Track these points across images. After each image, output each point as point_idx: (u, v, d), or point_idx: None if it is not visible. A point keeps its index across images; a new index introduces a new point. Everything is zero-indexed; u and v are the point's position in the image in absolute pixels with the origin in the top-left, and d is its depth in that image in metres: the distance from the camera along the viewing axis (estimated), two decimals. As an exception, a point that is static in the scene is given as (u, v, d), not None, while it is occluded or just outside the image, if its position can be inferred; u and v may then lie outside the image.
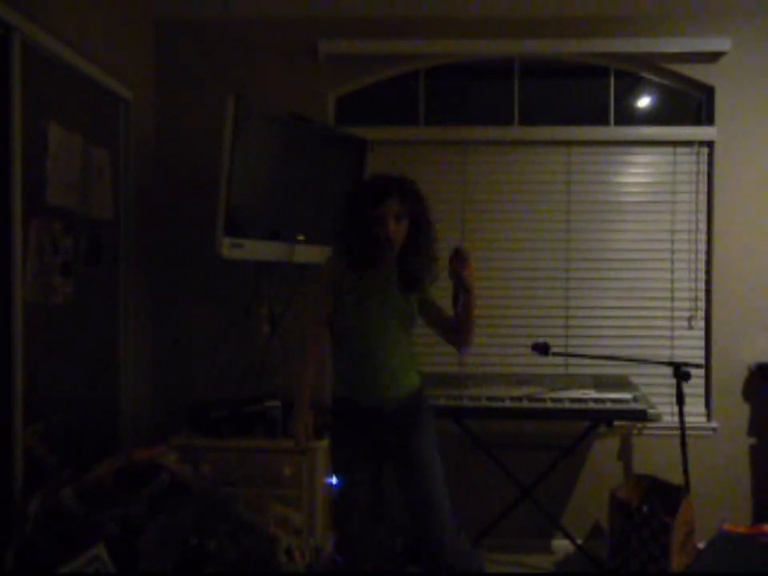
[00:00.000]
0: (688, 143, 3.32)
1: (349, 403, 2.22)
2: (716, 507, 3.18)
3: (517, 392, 2.89)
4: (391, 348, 2.18)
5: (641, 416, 2.79)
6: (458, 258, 2.09)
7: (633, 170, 3.36)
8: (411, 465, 2.18)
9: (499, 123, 3.39)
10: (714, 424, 3.28)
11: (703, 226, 3.32)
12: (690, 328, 3.33)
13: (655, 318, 3.34)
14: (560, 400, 2.82)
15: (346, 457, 2.22)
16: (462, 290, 2.12)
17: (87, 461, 2.37)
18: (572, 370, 3.32)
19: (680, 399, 2.81)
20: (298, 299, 3.25)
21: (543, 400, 2.82)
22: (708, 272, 3.31)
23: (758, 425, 3.27)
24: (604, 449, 3.30)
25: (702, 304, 3.33)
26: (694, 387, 3.23)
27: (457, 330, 2.23)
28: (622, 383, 3.07)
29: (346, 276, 2.18)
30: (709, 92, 3.31)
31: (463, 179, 3.36)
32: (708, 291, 3.32)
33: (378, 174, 2.24)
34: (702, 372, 3.28)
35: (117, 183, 2.95)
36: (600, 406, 2.81)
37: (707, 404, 3.32)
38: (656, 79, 3.39)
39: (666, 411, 3.15)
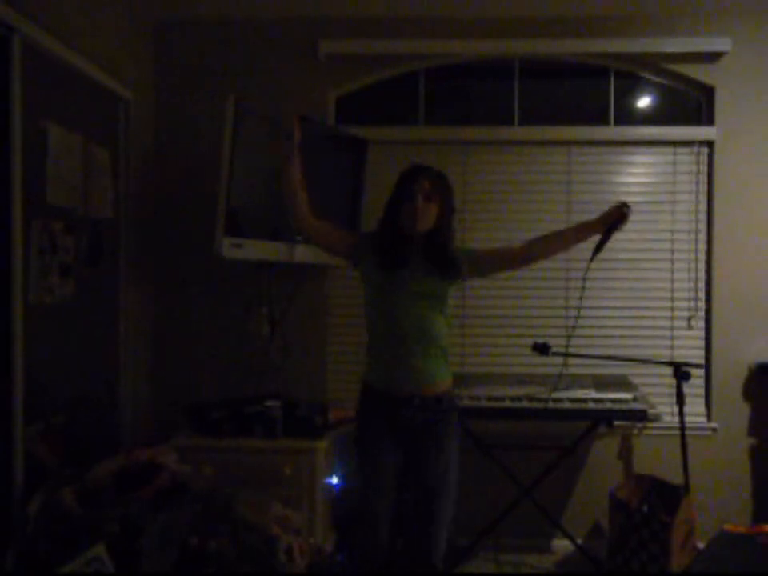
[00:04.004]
0: (688, 143, 3.32)
1: (379, 392, 2.20)
2: (716, 507, 3.18)
3: (517, 392, 2.88)
4: (428, 338, 2.16)
5: (641, 416, 2.79)
6: (619, 219, 2.22)
7: (633, 170, 3.36)
8: (426, 473, 2.17)
9: (499, 123, 3.39)
10: (714, 424, 3.28)
11: (703, 226, 3.32)
12: (690, 328, 3.33)
13: (655, 317, 3.34)
14: (560, 400, 2.82)
15: (370, 443, 2.20)
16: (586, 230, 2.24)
17: (87, 461, 2.37)
18: (572, 370, 3.32)
19: (680, 399, 2.81)
20: (298, 299, 3.26)
21: (543, 400, 2.82)
22: (708, 272, 3.32)
23: (758, 425, 3.27)
24: (604, 449, 3.30)
25: (701, 304, 3.33)
26: (694, 387, 3.23)
27: (539, 243, 2.25)
28: (622, 383, 3.07)
29: (371, 253, 2.20)
30: (709, 92, 3.31)
31: (463, 179, 3.36)
32: (708, 291, 3.32)
33: (415, 163, 2.27)
34: (702, 372, 3.28)
35: (117, 183, 2.95)
36: (600, 406, 2.81)
37: (707, 404, 3.32)
38: (656, 79, 3.39)
39: (666, 411, 3.14)
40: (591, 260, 2.29)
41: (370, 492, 2.20)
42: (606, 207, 3.28)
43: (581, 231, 2.26)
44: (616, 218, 2.23)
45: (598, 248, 2.29)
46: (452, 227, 2.23)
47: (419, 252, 2.19)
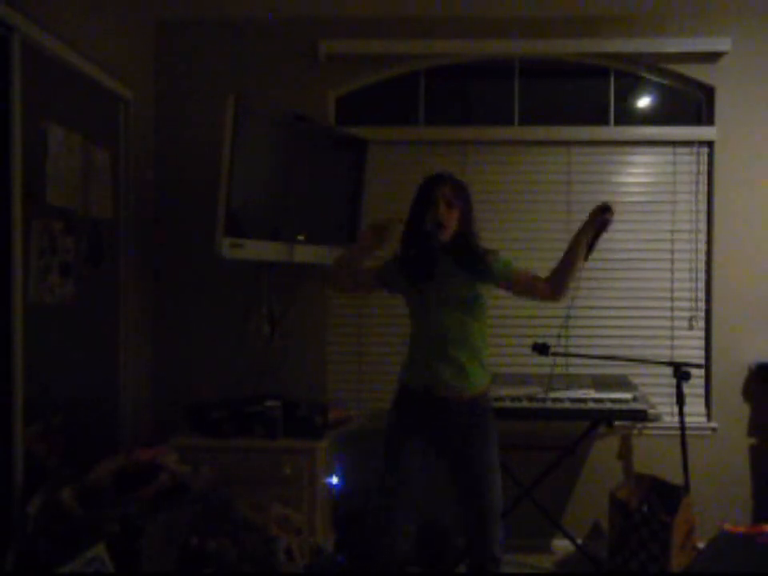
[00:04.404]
0: (688, 143, 3.32)
1: (415, 393, 2.24)
2: (716, 507, 3.18)
3: (517, 392, 2.88)
4: (465, 343, 2.20)
5: (641, 416, 2.79)
6: (604, 218, 2.20)
7: (633, 170, 3.36)
8: (470, 472, 2.20)
9: (499, 123, 3.39)
10: (714, 424, 3.28)
11: (703, 226, 3.32)
12: (690, 328, 3.33)
13: (655, 318, 3.34)
14: (560, 400, 2.82)
15: (397, 442, 2.23)
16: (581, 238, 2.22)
17: (87, 461, 2.37)
18: (572, 370, 3.32)
19: (680, 399, 2.81)
20: (298, 299, 3.26)
21: (543, 400, 2.82)
22: (708, 272, 3.31)
23: (757, 425, 3.27)
24: (604, 449, 3.30)
25: (702, 304, 3.33)
26: (694, 387, 3.23)
27: (556, 274, 2.26)
28: (622, 383, 3.06)
29: (397, 273, 2.27)
30: (709, 92, 3.31)
31: (463, 179, 3.34)
32: (708, 291, 3.32)
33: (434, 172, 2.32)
34: (702, 372, 3.28)
35: (117, 183, 2.95)
36: (600, 405, 2.81)
37: (707, 404, 3.32)
38: (656, 79, 3.39)
39: (666, 411, 3.14)
40: (585, 259, 2.27)
41: (388, 491, 2.21)
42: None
43: (577, 243, 2.23)
44: (599, 220, 2.22)
45: (588, 250, 2.26)
46: (475, 229, 2.27)
47: (447, 259, 2.23)
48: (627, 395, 2.85)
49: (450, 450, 2.24)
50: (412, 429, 2.23)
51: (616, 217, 3.28)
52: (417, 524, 2.30)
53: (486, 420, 2.24)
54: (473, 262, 2.21)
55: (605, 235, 2.26)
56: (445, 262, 2.23)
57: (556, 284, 2.25)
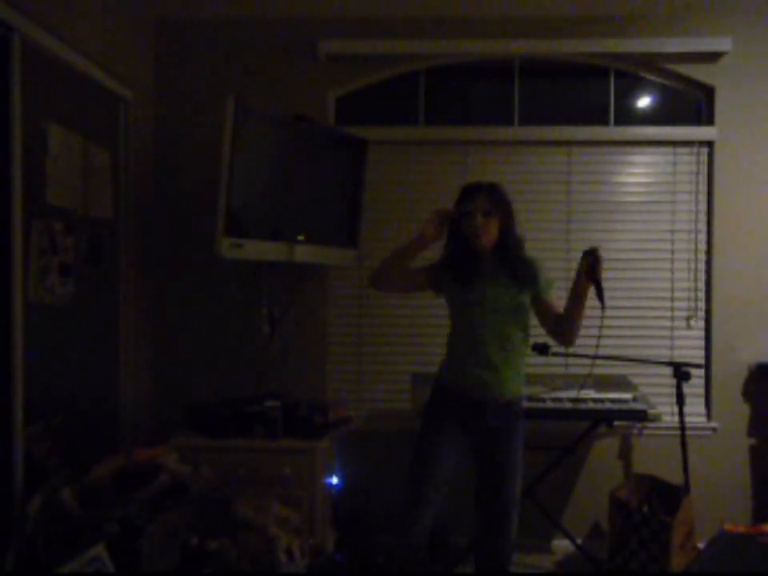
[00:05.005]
0: (688, 143, 3.32)
1: (451, 391, 2.28)
2: (716, 507, 3.18)
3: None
4: (505, 348, 2.23)
5: (641, 416, 2.79)
6: (595, 261, 2.10)
7: (633, 169, 3.36)
8: (496, 471, 2.25)
9: (499, 123, 3.39)
10: (714, 424, 3.28)
11: (703, 226, 3.32)
12: (690, 328, 3.33)
13: (655, 317, 3.34)
14: (560, 400, 2.82)
15: (430, 441, 2.26)
16: (582, 287, 2.15)
17: (87, 461, 2.37)
18: (572, 370, 3.32)
19: (680, 399, 2.81)
20: (298, 299, 3.26)
21: (543, 400, 2.82)
22: (708, 272, 3.31)
23: (758, 425, 3.27)
24: (604, 449, 3.30)
25: (701, 304, 3.33)
26: (694, 387, 3.23)
27: (562, 323, 2.25)
28: (622, 383, 3.06)
29: (444, 275, 2.29)
30: (709, 92, 3.31)
31: (463, 179, 3.35)
32: (708, 291, 3.32)
33: (470, 182, 2.33)
34: (702, 372, 3.28)
35: (117, 183, 2.95)
36: (600, 405, 2.81)
37: (707, 404, 3.32)
38: (656, 79, 3.39)
39: (666, 411, 3.15)
40: (603, 308, 2.17)
41: (418, 483, 2.24)
42: (605, 207, 3.35)
43: (574, 295, 2.19)
44: (589, 267, 2.12)
45: (599, 297, 2.17)
46: (518, 235, 2.29)
47: (492, 265, 2.25)
48: (627, 395, 2.86)
49: (481, 450, 2.29)
50: (446, 428, 2.26)
51: (617, 216, 3.35)
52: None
53: (518, 424, 2.29)
54: (517, 269, 2.24)
55: (604, 276, 2.15)
56: (491, 269, 2.25)
57: (563, 336, 2.26)
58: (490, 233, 2.22)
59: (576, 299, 2.17)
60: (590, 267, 2.10)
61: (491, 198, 2.22)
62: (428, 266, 2.34)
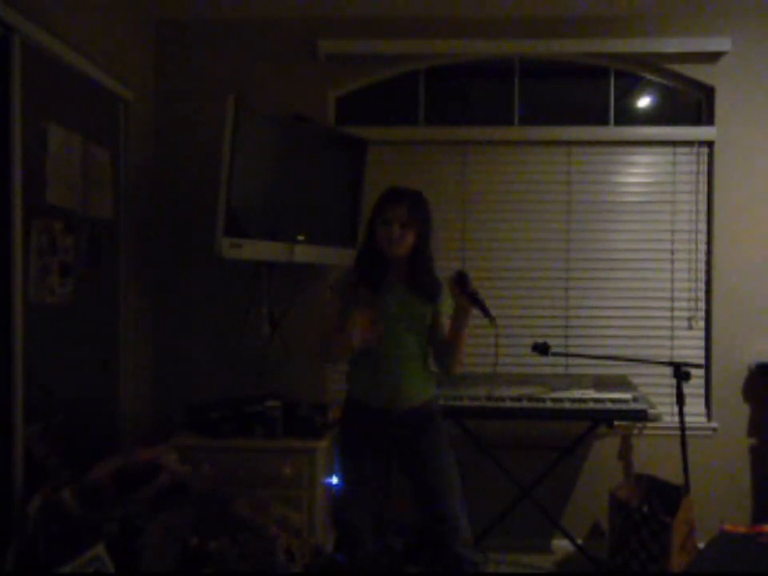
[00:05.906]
0: (688, 143, 3.32)
1: (360, 405, 2.26)
2: (716, 507, 3.18)
3: (517, 392, 2.88)
4: (406, 358, 2.22)
5: (641, 416, 2.79)
6: (462, 280, 2.08)
7: (633, 169, 3.36)
8: (423, 464, 2.23)
9: (499, 123, 3.39)
10: (714, 424, 3.28)
11: (703, 226, 3.32)
12: (690, 328, 3.33)
13: (655, 318, 3.34)
14: (560, 400, 2.82)
15: (352, 456, 2.26)
16: (461, 312, 2.12)
17: (87, 461, 2.37)
18: (572, 370, 3.32)
19: (680, 399, 2.81)
20: (298, 299, 3.26)
21: (543, 400, 2.82)
22: (708, 272, 3.31)
23: (757, 425, 3.27)
24: (604, 449, 3.30)
25: (701, 304, 3.33)
26: (694, 387, 3.23)
27: (446, 352, 2.24)
28: (622, 383, 3.06)
29: (356, 291, 2.21)
30: (709, 92, 3.31)
31: (463, 179, 3.36)
32: (708, 291, 3.32)
33: (394, 186, 2.27)
34: (702, 372, 3.28)
35: (117, 183, 2.95)
36: (600, 405, 2.81)
37: (707, 404, 3.32)
38: (656, 79, 3.39)
39: (666, 411, 3.14)
40: (492, 321, 2.07)
41: (350, 502, 2.27)
42: (605, 207, 3.36)
43: (455, 314, 2.16)
44: (459, 287, 2.09)
45: (483, 311, 2.07)
46: (431, 249, 2.24)
47: (400, 275, 2.22)
48: (627, 395, 2.86)
49: (403, 459, 2.27)
50: (362, 440, 2.25)
51: (617, 216, 3.35)
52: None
53: (435, 424, 2.26)
54: (426, 288, 2.20)
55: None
56: (399, 279, 2.22)
57: (448, 358, 2.23)
58: (403, 244, 2.16)
59: (455, 321, 2.15)
60: (460, 286, 2.07)
61: (411, 210, 2.16)
62: (340, 295, 2.24)
